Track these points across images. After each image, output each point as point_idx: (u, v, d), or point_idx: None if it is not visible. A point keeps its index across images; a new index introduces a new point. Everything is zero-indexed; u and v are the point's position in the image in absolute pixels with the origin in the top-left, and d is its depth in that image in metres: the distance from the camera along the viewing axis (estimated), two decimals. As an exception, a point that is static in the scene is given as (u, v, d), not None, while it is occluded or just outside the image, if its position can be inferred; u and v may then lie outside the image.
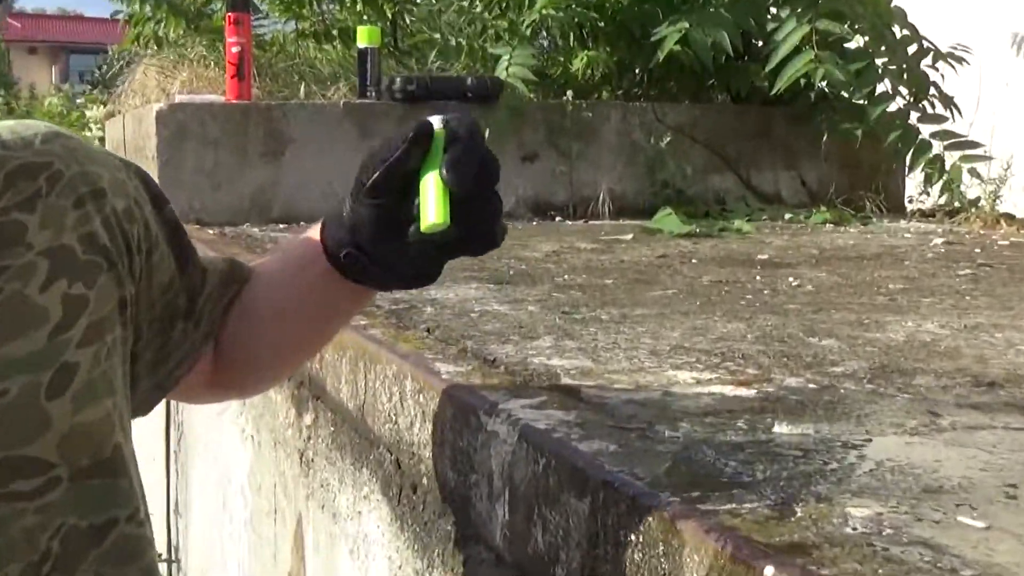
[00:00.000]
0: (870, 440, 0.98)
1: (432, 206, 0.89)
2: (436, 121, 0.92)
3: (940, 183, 3.63)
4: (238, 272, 1.06)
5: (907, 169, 3.83)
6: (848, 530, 0.75)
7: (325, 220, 0.99)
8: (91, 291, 0.87)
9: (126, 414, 0.91)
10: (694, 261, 2.48)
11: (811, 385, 1.19)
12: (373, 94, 3.53)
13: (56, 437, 0.83)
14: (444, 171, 0.89)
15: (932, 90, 3.85)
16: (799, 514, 0.78)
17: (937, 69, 3.92)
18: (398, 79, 3.50)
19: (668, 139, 3.63)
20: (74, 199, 0.88)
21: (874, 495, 0.82)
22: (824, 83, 3.63)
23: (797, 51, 3.44)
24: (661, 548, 0.80)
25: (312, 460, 1.69)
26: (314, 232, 1.00)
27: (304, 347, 1.15)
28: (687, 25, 3.51)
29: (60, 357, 0.84)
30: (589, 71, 3.88)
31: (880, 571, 0.68)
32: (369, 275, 0.97)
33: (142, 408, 1.02)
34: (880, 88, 3.76)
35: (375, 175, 0.92)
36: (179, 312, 1.00)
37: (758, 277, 2.18)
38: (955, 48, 3.95)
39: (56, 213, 0.87)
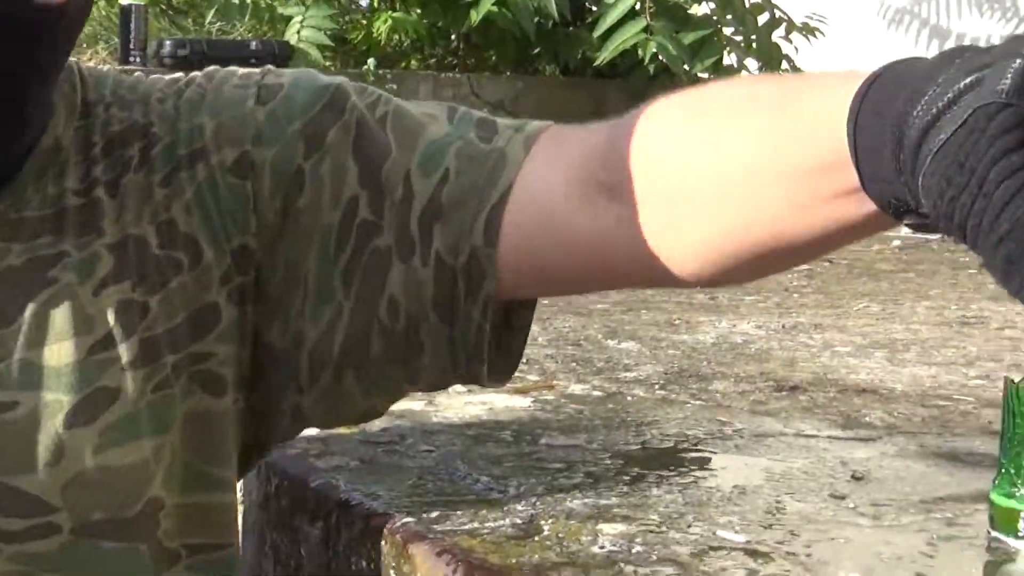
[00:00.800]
0: (644, 451, 1.03)
1: None
2: None
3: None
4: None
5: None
6: (595, 549, 0.79)
7: (857, 130, 0.62)
8: (155, 297, 0.78)
9: (182, 461, 0.79)
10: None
11: (596, 392, 1.24)
12: (138, 59, 3.49)
13: (66, 475, 0.74)
14: None
15: (784, 64, 4.00)
16: (546, 532, 0.82)
17: (791, 41, 4.07)
18: (168, 43, 3.48)
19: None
20: (165, 172, 0.80)
21: (632, 509, 0.86)
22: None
23: (632, 15, 3.55)
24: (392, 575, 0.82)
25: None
26: (822, 115, 0.66)
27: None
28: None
29: (98, 379, 0.75)
30: (395, 36, 3.92)
31: (615, 592, 0.71)
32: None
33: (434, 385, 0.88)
34: (728, 61, 3.91)
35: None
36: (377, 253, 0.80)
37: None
38: (811, 18, 4.11)
39: (138, 193, 0.79)
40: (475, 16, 3.61)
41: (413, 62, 3.99)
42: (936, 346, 1.56)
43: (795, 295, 1.98)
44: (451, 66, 4.03)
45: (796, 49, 4.09)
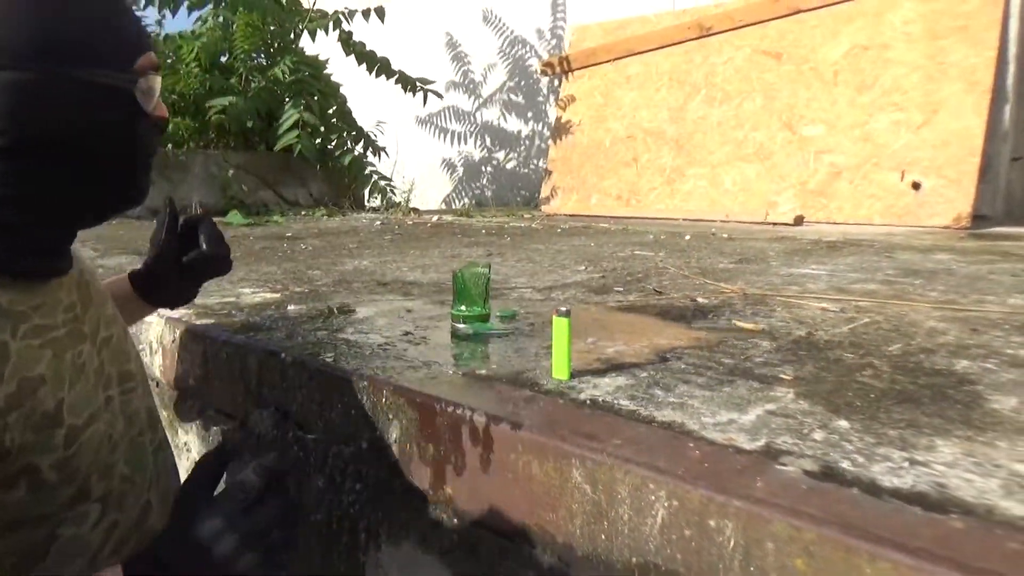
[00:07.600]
0: (353, 309, 1.98)
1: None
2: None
3: (379, 193, 6.13)
4: None
5: (364, 188, 6.31)
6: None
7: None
8: None
9: None
10: (251, 238, 4.04)
11: (306, 289, 2.27)
12: None
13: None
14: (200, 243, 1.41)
15: (372, 146, 6.33)
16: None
17: (373, 136, 6.31)
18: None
19: (232, 172, 5.40)
20: None
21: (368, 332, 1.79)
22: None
23: (295, 126, 5.73)
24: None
25: None
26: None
27: None
28: (229, 101, 5.60)
29: None
30: (179, 132, 5.71)
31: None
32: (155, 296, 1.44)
33: None
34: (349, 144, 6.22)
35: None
36: None
37: (284, 244, 3.58)
38: (379, 123, 6.48)
39: None
40: (211, 118, 5.58)
41: (191, 145, 5.77)
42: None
43: (386, 248, 3.18)
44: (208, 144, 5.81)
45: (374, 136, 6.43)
